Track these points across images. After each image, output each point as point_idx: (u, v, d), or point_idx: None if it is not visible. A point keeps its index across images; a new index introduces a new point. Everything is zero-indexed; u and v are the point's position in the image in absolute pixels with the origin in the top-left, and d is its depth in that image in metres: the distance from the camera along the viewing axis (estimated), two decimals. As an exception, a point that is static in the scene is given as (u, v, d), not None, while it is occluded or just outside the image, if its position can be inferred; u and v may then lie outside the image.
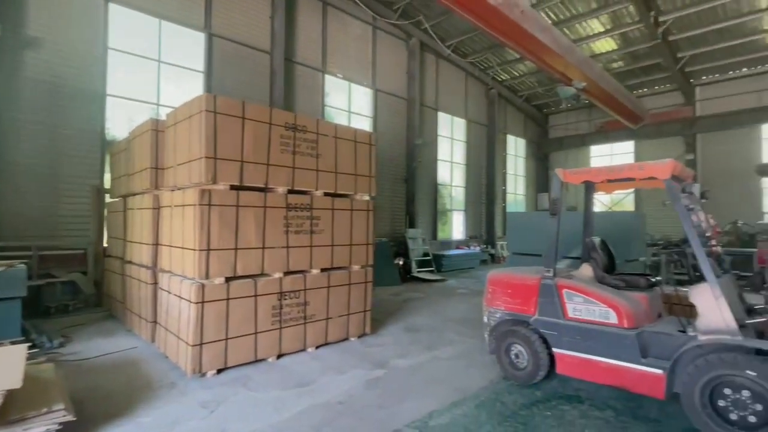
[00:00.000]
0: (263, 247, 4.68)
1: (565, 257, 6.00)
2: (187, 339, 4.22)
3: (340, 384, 4.15)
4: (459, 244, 16.20)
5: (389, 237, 12.67)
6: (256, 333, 4.62)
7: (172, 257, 4.76)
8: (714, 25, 12.55)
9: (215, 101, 4.34)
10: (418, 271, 12.11)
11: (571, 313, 3.81)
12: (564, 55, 9.89)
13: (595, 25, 13.37)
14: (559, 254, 5.05)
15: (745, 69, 15.08)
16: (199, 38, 9.37)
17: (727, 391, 2.97)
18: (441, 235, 15.82)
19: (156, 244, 5.26)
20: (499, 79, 17.80)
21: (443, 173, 16.02)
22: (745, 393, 2.89)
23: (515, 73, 17.48)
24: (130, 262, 6.00)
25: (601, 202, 17.94)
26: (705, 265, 3.20)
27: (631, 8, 12.02)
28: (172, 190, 4.93)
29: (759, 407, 2.84)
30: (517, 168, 20.44)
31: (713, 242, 3.73)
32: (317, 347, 5.24)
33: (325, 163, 5.33)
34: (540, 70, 13.08)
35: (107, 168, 7.88)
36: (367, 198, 5.94)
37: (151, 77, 8.77)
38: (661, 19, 12.27)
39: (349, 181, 5.64)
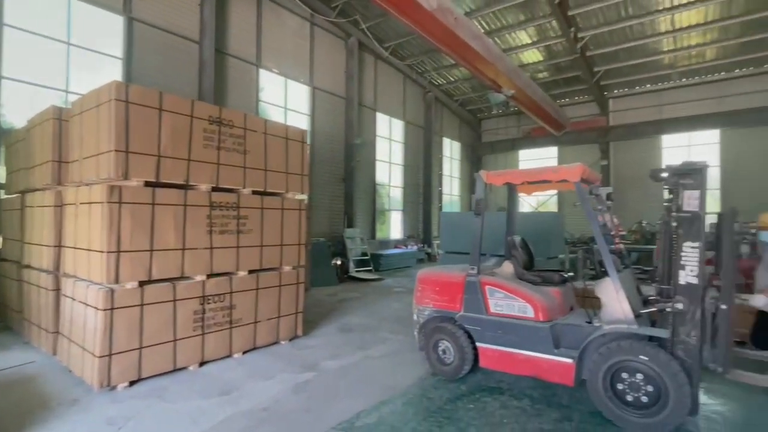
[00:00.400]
0: (183, 249, 4.38)
1: (493, 255, 6.29)
2: (94, 350, 3.84)
3: (267, 390, 4.00)
4: (397, 244, 16.44)
5: (327, 237, 12.52)
6: (175, 340, 4.32)
7: (77, 260, 4.31)
8: (624, 44, 13.88)
9: (127, 90, 3.99)
10: (356, 271, 12.09)
11: (493, 309, 3.99)
12: (494, 63, 10.39)
13: (523, 37, 14.21)
14: (488, 252, 5.29)
15: (648, 85, 16.84)
16: (117, 21, 8.60)
17: (624, 375, 3.27)
18: (379, 234, 15.94)
19: (59, 246, 4.73)
20: (436, 83, 18.32)
21: (382, 173, 16.16)
22: (639, 376, 3.20)
23: (451, 78, 18.08)
24: (28, 267, 5.35)
25: (529, 203, 19.14)
26: (608, 262, 3.49)
27: (554, 23, 12.92)
28: (78, 186, 4.46)
29: (650, 388, 3.16)
30: (453, 170, 21.17)
31: (617, 240, 4.10)
32: (245, 352, 5.02)
33: (254, 160, 5.12)
34: (473, 76, 13.63)
35: (1, 160, 6.98)
36: (299, 197, 5.80)
37: (59, 61, 7.90)
38: (579, 35, 13.33)
39: (279, 180, 5.46)
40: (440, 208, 19.20)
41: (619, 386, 3.29)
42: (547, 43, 14.26)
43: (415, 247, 16.25)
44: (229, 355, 4.85)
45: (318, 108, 13.11)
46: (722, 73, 15.39)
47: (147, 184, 4.13)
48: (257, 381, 4.21)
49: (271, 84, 11.84)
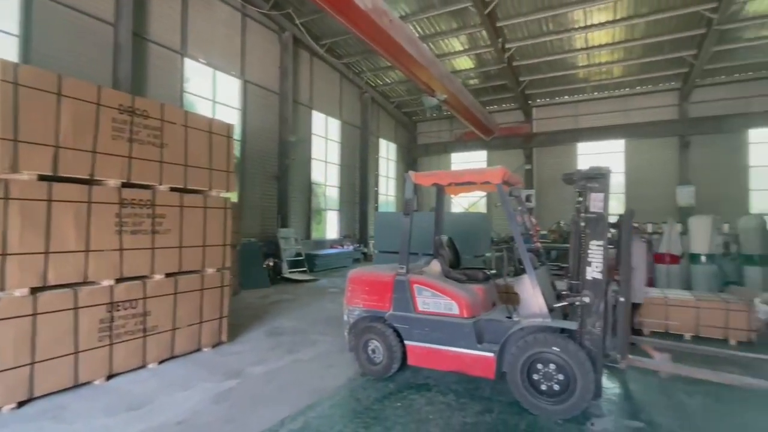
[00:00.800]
0: (87, 251, 3.95)
1: (425, 254, 6.43)
2: (-30, 369, 3.32)
3: (184, 401, 3.72)
4: (333, 244, 16.29)
5: (259, 237, 12.06)
6: (76, 353, 3.88)
7: (-49, 265, 3.70)
8: (545, 57, 14.96)
9: (16, 70, 3.51)
10: (290, 272, 11.78)
11: (420, 307, 4.06)
12: (428, 67, 10.66)
13: (455, 44, 14.76)
14: (420, 252, 5.37)
15: (566, 96, 18.31)
16: (10, -7, 7.58)
17: (539, 366, 3.48)
18: (315, 234, 15.69)
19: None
20: (373, 84, 18.44)
21: (318, 172, 15.91)
22: (552, 366, 3.43)
23: (387, 80, 18.29)
24: None
25: (461, 204, 19.92)
26: (526, 259, 3.70)
27: (484, 33, 13.57)
28: (-47, 179, 3.84)
29: (561, 377, 3.39)
30: (389, 170, 21.45)
31: (535, 239, 4.37)
32: (161, 362, 4.65)
33: (173, 154, 4.76)
34: (408, 79, 13.91)
35: None
36: (225, 195, 5.50)
37: (-67, 33, 6.78)
38: (507, 46, 14.13)
39: (202, 176, 5.13)
40: (376, 207, 19.35)
41: (535, 376, 3.50)
42: (478, 52, 14.94)
43: (351, 247, 16.21)
44: (143, 366, 4.46)
45: (250, 103, 12.58)
46: (626, 89, 17.15)
47: (41, 177, 3.67)
48: (173, 392, 3.90)
49: (199, 75, 11.14)
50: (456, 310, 3.91)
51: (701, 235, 9.16)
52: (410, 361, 4.12)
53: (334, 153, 16.95)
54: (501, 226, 14.18)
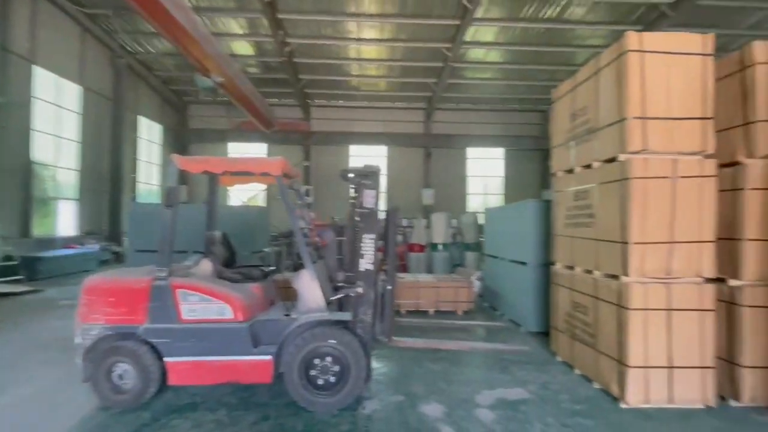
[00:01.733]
0: None
1: (197, 252, 5.65)
2: None
3: None
4: (69, 243, 12.71)
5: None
6: None
7: None
8: (324, 59, 15.67)
9: None
10: (-10, 284, 8.53)
11: (186, 315, 3.48)
12: (200, 42, 9.51)
13: (233, 26, 13.78)
14: (189, 250, 4.63)
15: (341, 101, 19.78)
16: None
17: (316, 361, 3.48)
18: (40, 230, 11.95)
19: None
20: (131, 50, 15.34)
21: (44, 150, 12.12)
22: (328, 359, 3.48)
23: (150, 49, 15.55)
24: None
25: (241, 199, 18.84)
26: (305, 254, 3.64)
27: (265, 22, 13.12)
28: None
29: (337, 368, 3.48)
30: (152, 155, 18.41)
31: (313, 233, 4.38)
32: None
33: None
34: (179, 53, 12.13)
35: None
36: None
37: None
38: (288, 40, 14.08)
39: None
40: (134, 198, 16.24)
41: (312, 372, 3.48)
42: (258, 39, 14.37)
43: (96, 246, 13.01)
44: None
45: None
46: (389, 103, 19.83)
47: None
48: None
49: None
50: (229, 314, 3.51)
51: (439, 229, 11.42)
52: (172, 381, 3.48)
53: (71, 127, 13.29)
54: (281, 221, 14.11)
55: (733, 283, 3.71)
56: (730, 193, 3.76)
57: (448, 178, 20.22)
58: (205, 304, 3.48)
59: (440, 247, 11.32)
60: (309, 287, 3.60)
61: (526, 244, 6.15)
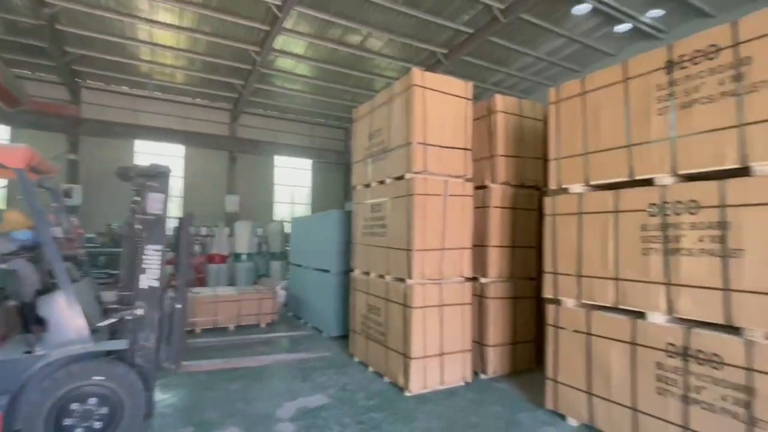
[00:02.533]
0: None
1: None
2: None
3: None
4: None
5: None
6: None
7: None
8: (102, 34, 12.97)
9: None
10: None
11: None
12: None
13: (-45, -39, 10.07)
14: None
15: (125, 87, 16.76)
16: None
17: (74, 406, 2.76)
18: None
19: None
20: None
21: None
22: (92, 400, 2.81)
23: None
24: None
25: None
26: (60, 270, 2.87)
27: (11, -33, 10.06)
28: None
29: (105, 410, 2.84)
30: None
31: (75, 244, 3.52)
32: None
33: None
34: None
35: None
36: None
37: None
38: (49, 0, 11.12)
39: None
40: None
41: (68, 422, 2.74)
42: (-1, -12, 10.88)
43: None
44: None
45: None
46: (188, 98, 17.87)
47: None
48: None
49: None
50: None
51: (243, 237, 10.85)
52: None
53: None
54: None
55: (483, 280, 4.73)
56: (481, 209, 4.79)
57: (255, 185, 19.46)
58: None
59: (244, 257, 10.74)
60: (65, 313, 2.85)
61: (330, 252, 6.41)
